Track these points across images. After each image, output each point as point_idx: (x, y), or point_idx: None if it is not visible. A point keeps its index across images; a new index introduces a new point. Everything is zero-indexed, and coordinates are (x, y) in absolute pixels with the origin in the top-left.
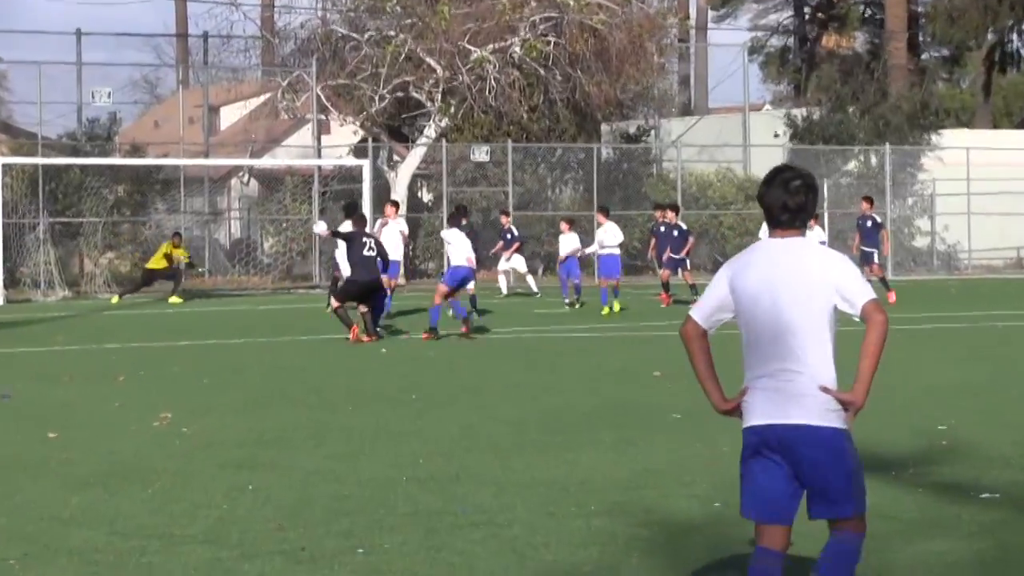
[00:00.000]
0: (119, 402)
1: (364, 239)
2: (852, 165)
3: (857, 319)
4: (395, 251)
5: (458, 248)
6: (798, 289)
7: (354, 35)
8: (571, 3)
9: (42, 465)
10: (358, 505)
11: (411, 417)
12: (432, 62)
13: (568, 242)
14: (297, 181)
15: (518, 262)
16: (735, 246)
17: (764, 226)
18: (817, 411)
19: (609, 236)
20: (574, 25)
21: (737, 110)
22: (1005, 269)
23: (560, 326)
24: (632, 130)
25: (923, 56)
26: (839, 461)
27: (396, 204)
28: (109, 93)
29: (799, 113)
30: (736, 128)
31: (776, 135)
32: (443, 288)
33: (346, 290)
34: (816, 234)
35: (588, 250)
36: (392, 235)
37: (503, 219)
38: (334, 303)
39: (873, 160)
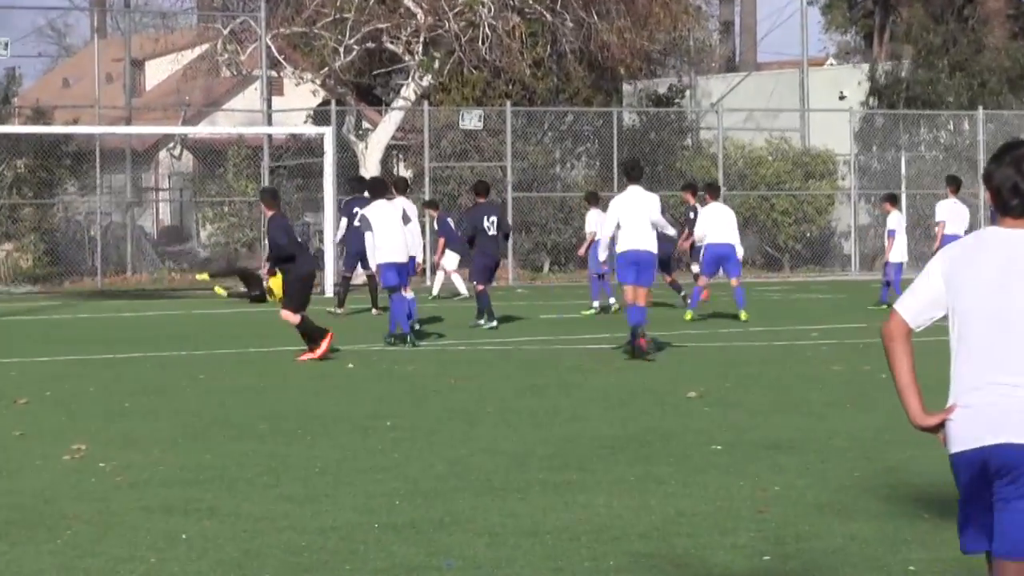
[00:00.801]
0: (19, 430)
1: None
2: (940, 134)
3: None
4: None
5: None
6: None
7: None
8: None
9: None
10: (319, 559)
11: (386, 449)
12: (411, 5)
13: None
14: (242, 154)
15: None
16: (790, 235)
17: (943, 207)
18: None
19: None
20: None
21: (793, 65)
22: None
23: (572, 336)
24: (662, 90)
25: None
26: None
27: (406, 182)
28: (6, 44)
29: (883, 67)
30: (792, 88)
31: (842, 96)
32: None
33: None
34: (894, 219)
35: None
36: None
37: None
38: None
39: (965, 128)
